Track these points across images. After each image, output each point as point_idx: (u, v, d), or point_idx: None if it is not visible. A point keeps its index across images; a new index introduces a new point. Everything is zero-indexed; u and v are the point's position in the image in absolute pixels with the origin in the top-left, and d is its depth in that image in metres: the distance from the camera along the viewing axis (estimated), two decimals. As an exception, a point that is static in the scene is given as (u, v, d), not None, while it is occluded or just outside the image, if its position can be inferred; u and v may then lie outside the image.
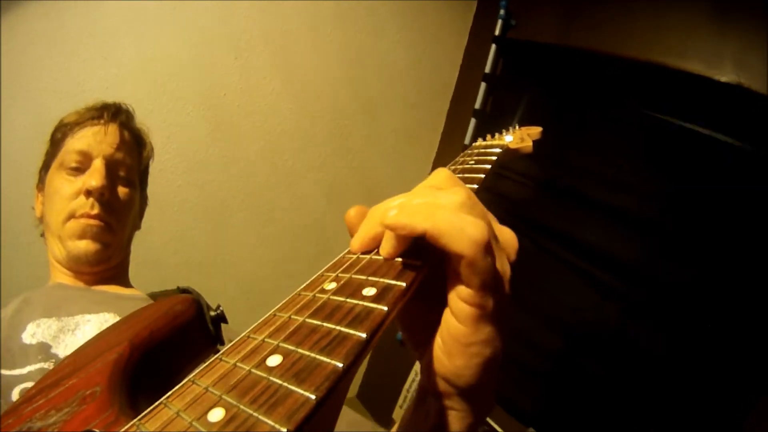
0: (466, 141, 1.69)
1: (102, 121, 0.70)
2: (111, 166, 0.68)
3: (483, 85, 1.66)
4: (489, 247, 0.23)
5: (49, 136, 0.73)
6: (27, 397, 0.27)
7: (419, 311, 0.29)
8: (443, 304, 0.26)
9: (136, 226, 0.78)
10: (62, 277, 0.68)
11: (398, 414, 1.78)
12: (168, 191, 1.30)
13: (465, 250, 0.23)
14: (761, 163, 1.03)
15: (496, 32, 1.62)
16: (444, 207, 0.24)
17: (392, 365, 1.83)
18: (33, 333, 0.54)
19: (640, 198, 1.23)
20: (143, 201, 0.79)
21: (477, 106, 1.67)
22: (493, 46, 1.63)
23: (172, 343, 0.33)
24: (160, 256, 1.31)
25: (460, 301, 0.24)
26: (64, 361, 0.31)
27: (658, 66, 1.21)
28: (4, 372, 0.50)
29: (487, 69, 1.65)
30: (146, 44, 1.19)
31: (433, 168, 1.85)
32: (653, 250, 1.20)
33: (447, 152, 1.85)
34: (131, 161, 0.73)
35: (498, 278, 0.25)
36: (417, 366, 1.71)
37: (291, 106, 1.47)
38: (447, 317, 0.25)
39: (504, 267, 0.26)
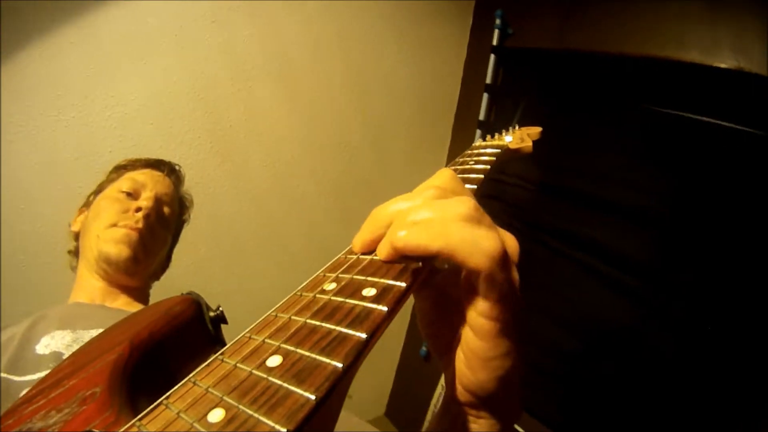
0: (474, 153, 1.70)
1: (161, 171, 0.79)
2: (159, 203, 0.74)
3: (485, 96, 1.67)
4: (504, 258, 0.23)
5: (108, 167, 0.80)
6: (27, 397, 0.27)
7: (441, 319, 0.30)
8: (463, 310, 0.26)
9: (157, 274, 0.81)
10: (82, 296, 0.69)
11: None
12: (181, 225, 1.31)
13: (482, 265, 0.22)
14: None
15: (494, 42, 1.63)
16: (453, 221, 0.23)
17: (418, 382, 1.83)
18: (47, 344, 0.55)
19: (650, 195, 1.22)
20: (168, 256, 0.83)
21: (481, 117, 1.68)
22: (492, 57, 1.64)
23: (172, 344, 0.33)
24: (176, 289, 1.30)
25: (479, 317, 0.24)
26: (65, 362, 0.31)
27: (658, 59, 1.21)
28: (15, 378, 0.50)
29: (488, 80, 1.65)
30: (150, 81, 1.20)
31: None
32: (664, 246, 1.20)
33: (455, 165, 1.86)
34: (174, 210, 0.79)
35: (513, 288, 0.25)
36: (443, 380, 1.70)
37: (297, 133, 1.48)
38: (466, 333, 0.25)
39: (515, 275, 0.26)
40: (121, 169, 0.78)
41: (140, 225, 0.69)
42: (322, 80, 1.48)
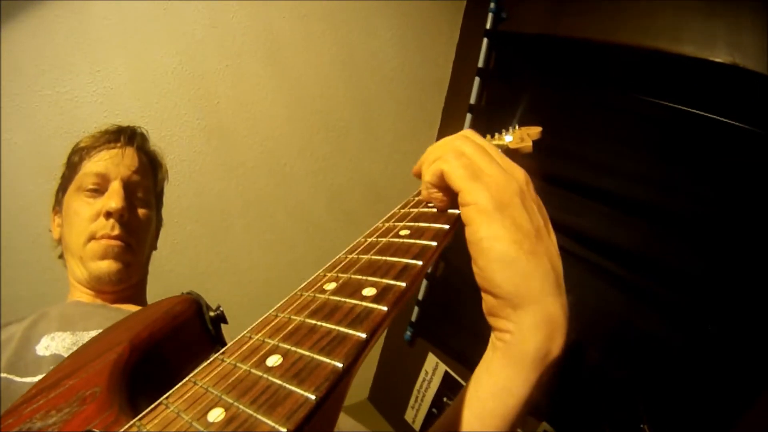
0: (463, 136, 1.70)
1: (119, 145, 0.71)
2: (129, 188, 0.69)
3: (477, 79, 1.66)
4: (462, 148, 0.33)
5: (65, 158, 0.73)
6: (27, 397, 0.27)
7: None
8: None
9: (153, 246, 0.79)
10: (81, 295, 0.68)
11: (410, 415, 1.79)
12: (168, 202, 1.28)
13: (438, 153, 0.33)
14: (763, 143, 1.02)
15: (488, 26, 1.62)
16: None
17: (402, 366, 1.84)
18: (47, 345, 0.54)
19: (638, 184, 1.23)
20: (159, 221, 0.81)
21: (472, 101, 1.67)
22: (485, 40, 1.63)
23: (172, 343, 0.33)
24: (163, 267, 1.30)
25: (462, 206, 0.30)
26: (65, 362, 0.31)
27: (652, 51, 1.21)
28: (15, 378, 0.50)
29: (480, 63, 1.64)
30: (136, 56, 1.18)
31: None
32: (652, 235, 1.20)
33: (444, 148, 1.86)
34: (148, 183, 0.74)
35: (492, 171, 0.30)
36: (427, 366, 1.73)
37: (285, 110, 1.47)
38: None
39: (489, 163, 0.31)
40: (75, 158, 0.71)
41: (116, 231, 0.66)
42: (311, 56, 1.47)
